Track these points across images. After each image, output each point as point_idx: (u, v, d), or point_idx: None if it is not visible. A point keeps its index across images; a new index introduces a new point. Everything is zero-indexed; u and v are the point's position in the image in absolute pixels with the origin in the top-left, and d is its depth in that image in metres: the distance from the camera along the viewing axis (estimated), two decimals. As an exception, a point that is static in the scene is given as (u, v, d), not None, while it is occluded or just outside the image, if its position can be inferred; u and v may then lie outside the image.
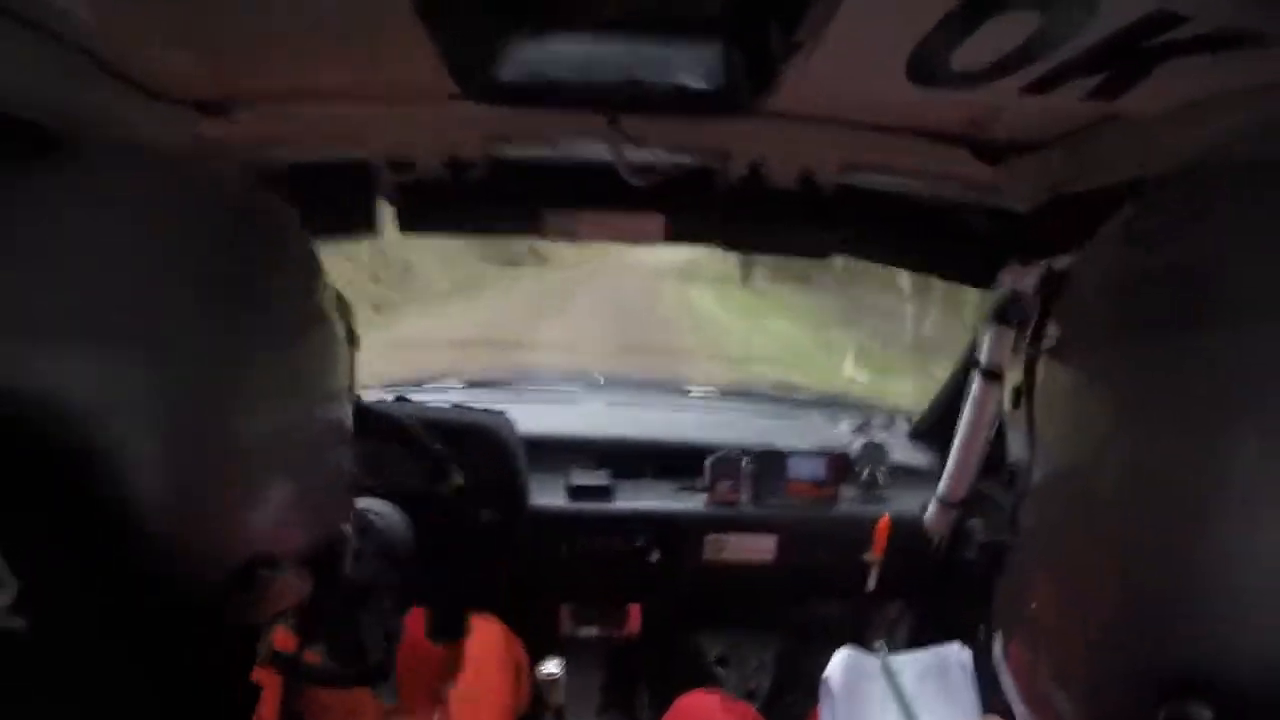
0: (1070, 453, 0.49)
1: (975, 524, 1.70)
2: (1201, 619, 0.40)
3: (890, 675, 1.07)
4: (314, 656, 1.22)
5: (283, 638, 1.12)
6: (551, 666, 1.51)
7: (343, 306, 0.63)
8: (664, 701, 1.44)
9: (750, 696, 1.98)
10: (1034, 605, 0.53)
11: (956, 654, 1.08)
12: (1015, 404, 0.56)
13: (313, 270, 0.60)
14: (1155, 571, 0.42)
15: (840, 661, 1.10)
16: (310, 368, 0.57)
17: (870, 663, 1.10)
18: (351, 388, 0.65)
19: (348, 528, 0.67)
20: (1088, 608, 0.47)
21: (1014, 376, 0.57)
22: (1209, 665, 0.40)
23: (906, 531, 1.71)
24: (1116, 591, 0.45)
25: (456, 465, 1.21)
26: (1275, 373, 0.38)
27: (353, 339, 0.65)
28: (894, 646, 1.12)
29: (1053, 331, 0.52)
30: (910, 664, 1.08)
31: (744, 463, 1.78)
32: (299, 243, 0.59)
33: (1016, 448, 0.57)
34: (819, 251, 1.28)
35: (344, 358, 0.63)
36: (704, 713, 1.33)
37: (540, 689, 1.52)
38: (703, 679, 1.90)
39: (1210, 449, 0.39)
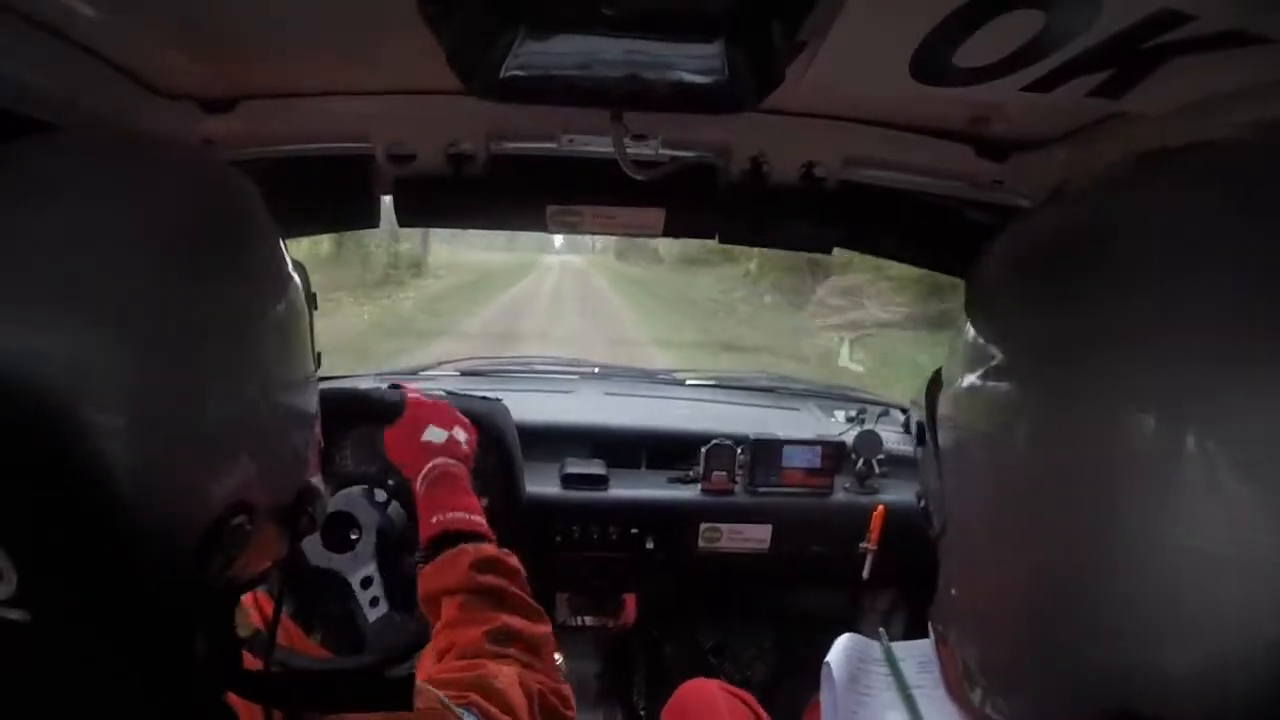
0: (979, 465, 0.49)
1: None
2: (1126, 646, 0.40)
3: (892, 662, 1.07)
4: (313, 647, 1.23)
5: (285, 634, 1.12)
6: (550, 656, 1.52)
7: (300, 270, 0.64)
8: (660, 691, 1.45)
9: (747, 685, 1.99)
10: (956, 634, 0.55)
11: None
12: (920, 440, 0.57)
13: (272, 241, 0.61)
14: (1073, 583, 0.42)
15: (841, 647, 1.09)
16: (274, 335, 0.58)
17: (872, 649, 1.10)
18: (314, 348, 0.67)
19: (317, 481, 0.68)
20: (1007, 629, 0.48)
21: (917, 413, 0.58)
22: (1138, 687, 0.39)
23: (901, 521, 1.72)
24: (1037, 610, 0.45)
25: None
26: (1164, 342, 0.38)
27: (311, 300, 0.67)
28: (889, 636, 1.13)
29: (954, 349, 0.53)
30: (912, 652, 1.08)
31: (739, 451, 1.78)
32: (259, 217, 0.60)
33: (925, 484, 0.57)
34: (819, 245, 1.29)
35: (304, 322, 0.64)
36: (706, 698, 1.34)
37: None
38: (698, 668, 1.91)
39: (1108, 446, 0.39)
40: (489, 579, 0.94)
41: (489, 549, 0.99)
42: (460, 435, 1.14)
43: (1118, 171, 0.49)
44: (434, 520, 1.01)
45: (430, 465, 1.08)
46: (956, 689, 0.56)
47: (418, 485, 1.07)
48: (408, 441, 1.12)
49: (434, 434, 1.12)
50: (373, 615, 1.24)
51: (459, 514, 1.02)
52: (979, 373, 0.49)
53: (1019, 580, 0.46)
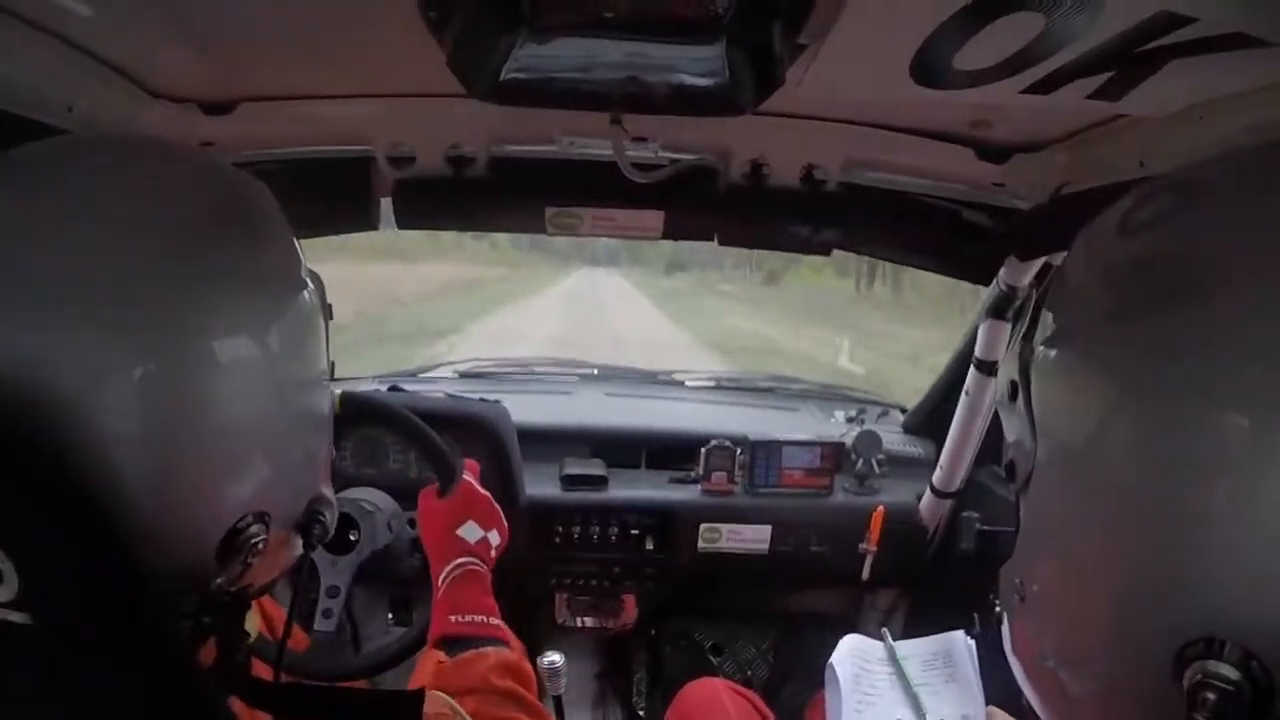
0: (1073, 433, 0.50)
1: (969, 513, 1.72)
2: (1215, 579, 0.41)
3: (896, 661, 1.08)
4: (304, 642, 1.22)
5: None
6: (554, 656, 1.51)
7: (315, 280, 0.64)
8: (661, 691, 1.44)
9: (747, 685, 1.99)
10: (1037, 587, 0.54)
11: (961, 642, 1.08)
12: (1012, 396, 0.58)
13: (289, 248, 0.61)
14: (1165, 538, 0.43)
15: (846, 647, 1.10)
16: (288, 338, 0.58)
17: (875, 648, 1.10)
18: (328, 356, 0.67)
19: (328, 490, 0.68)
20: (1098, 581, 0.48)
21: (1009, 370, 0.58)
22: (1226, 627, 0.40)
23: (901, 521, 1.72)
24: (1127, 561, 0.45)
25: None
26: (1259, 342, 0.40)
27: (327, 311, 0.67)
28: (889, 636, 1.13)
29: (1047, 322, 0.54)
30: (915, 651, 1.09)
31: (739, 452, 1.78)
32: (274, 222, 0.61)
33: (1013, 439, 0.58)
34: (818, 247, 1.29)
35: (319, 328, 0.64)
36: (711, 696, 1.34)
37: (541, 678, 1.52)
38: (698, 669, 1.91)
39: (1205, 415, 0.41)
40: (509, 683, 0.93)
41: (509, 654, 0.97)
42: (494, 539, 1.11)
43: (1211, 172, 0.50)
44: (452, 619, 1.00)
45: (455, 563, 1.05)
46: (1024, 648, 0.56)
47: (438, 579, 1.05)
48: (441, 526, 1.09)
49: (470, 531, 1.08)
50: (319, 626, 1.21)
51: (479, 617, 1.00)
52: (1073, 348, 0.51)
53: (1121, 547, 0.46)
